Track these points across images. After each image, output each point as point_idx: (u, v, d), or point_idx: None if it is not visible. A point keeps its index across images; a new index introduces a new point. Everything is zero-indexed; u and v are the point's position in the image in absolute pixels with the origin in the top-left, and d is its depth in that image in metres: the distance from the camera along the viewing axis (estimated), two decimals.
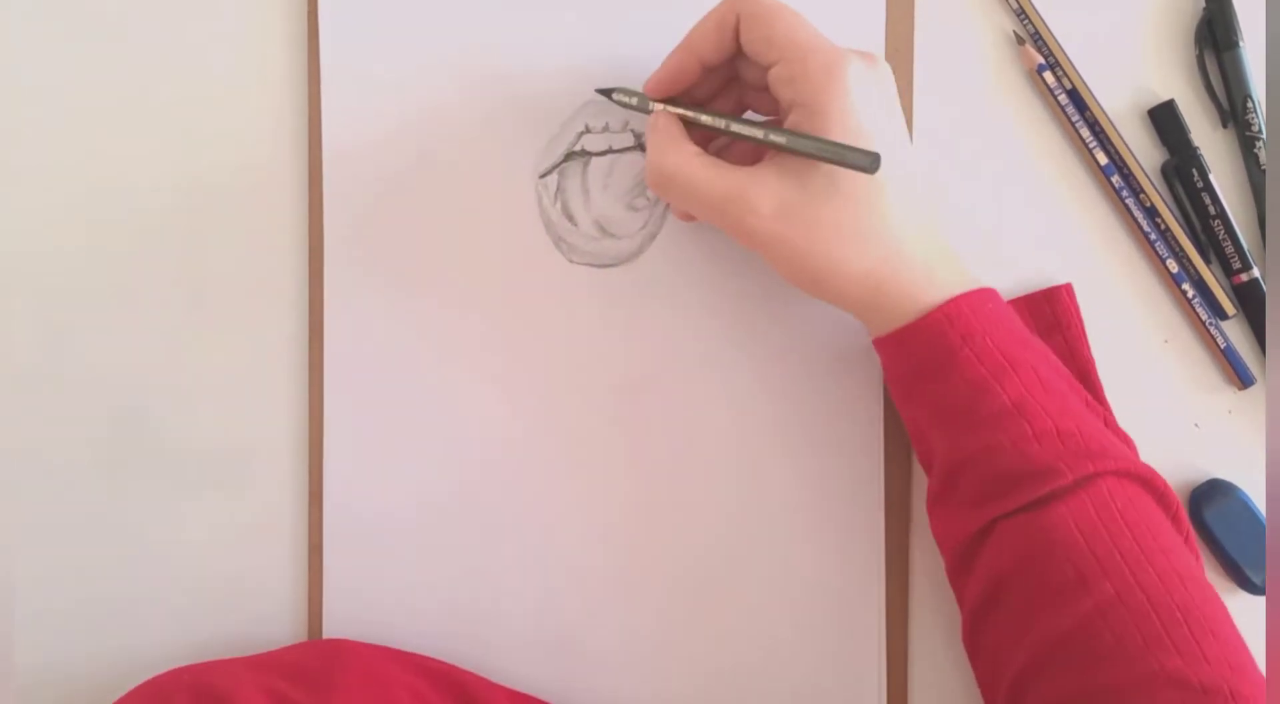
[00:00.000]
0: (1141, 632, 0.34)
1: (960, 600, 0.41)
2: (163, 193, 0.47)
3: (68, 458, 0.47)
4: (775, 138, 0.38)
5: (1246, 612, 0.45)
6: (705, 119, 0.41)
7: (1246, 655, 0.35)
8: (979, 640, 0.40)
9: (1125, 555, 0.35)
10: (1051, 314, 0.44)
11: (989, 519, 0.38)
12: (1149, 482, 0.38)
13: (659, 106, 0.41)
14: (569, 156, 0.46)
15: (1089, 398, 0.41)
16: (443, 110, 0.46)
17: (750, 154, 0.43)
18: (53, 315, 0.48)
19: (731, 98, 0.44)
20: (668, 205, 0.46)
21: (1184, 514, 0.39)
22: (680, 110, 0.41)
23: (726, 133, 0.40)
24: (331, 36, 0.46)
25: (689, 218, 0.44)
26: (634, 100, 0.43)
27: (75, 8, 0.47)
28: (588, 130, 0.46)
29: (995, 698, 0.39)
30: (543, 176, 0.46)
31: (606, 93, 0.44)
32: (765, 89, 0.40)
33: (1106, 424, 0.42)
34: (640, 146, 0.46)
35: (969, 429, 0.38)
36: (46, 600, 0.47)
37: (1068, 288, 0.45)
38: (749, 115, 0.44)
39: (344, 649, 0.43)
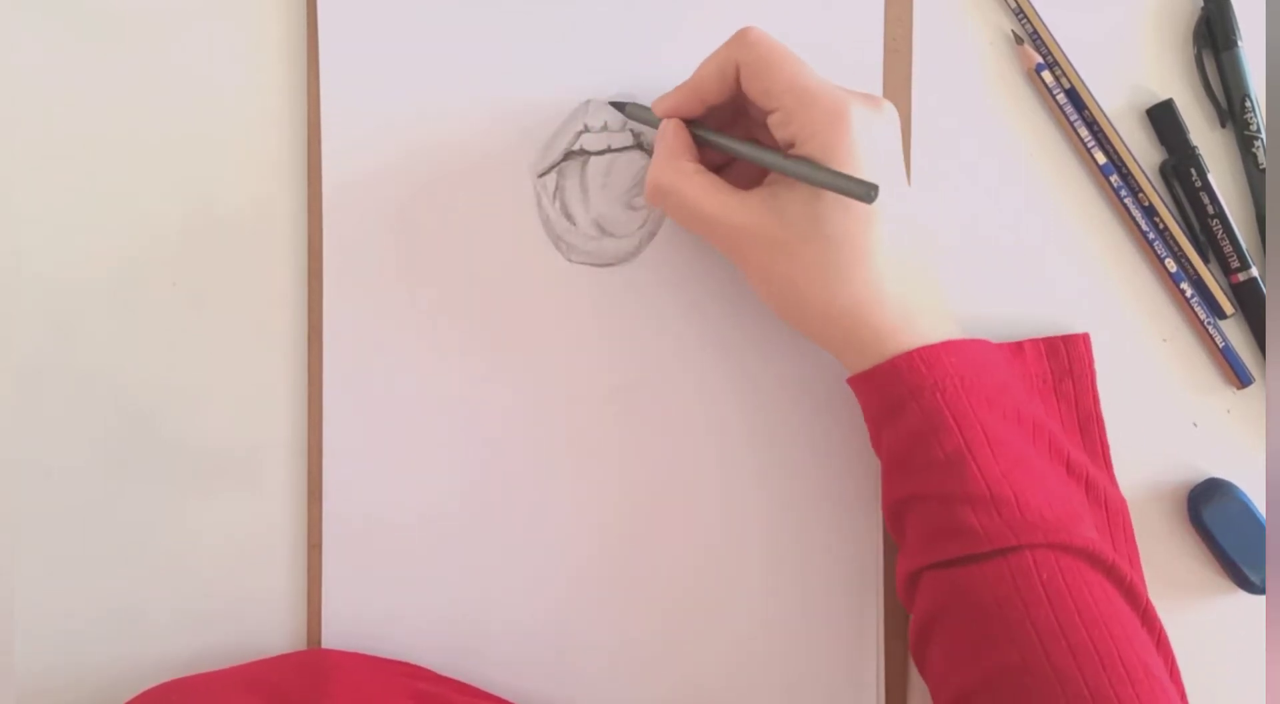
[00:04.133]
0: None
1: None
2: (162, 196, 0.47)
3: (67, 458, 0.47)
4: (777, 161, 0.38)
5: (1246, 612, 0.45)
6: (712, 137, 0.41)
7: None
8: (922, 668, 0.40)
9: (1038, 626, 0.35)
10: (1067, 359, 0.44)
11: (919, 566, 0.39)
12: (1095, 556, 0.37)
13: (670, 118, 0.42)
14: (568, 156, 0.46)
15: (1073, 458, 0.40)
16: (441, 109, 0.46)
17: (750, 180, 0.43)
18: (53, 318, 0.48)
19: (740, 129, 0.44)
20: None
21: (1140, 589, 0.38)
22: (689, 127, 0.42)
23: (731, 151, 0.41)
24: (331, 36, 0.47)
25: None
26: (645, 113, 0.44)
27: (76, 13, 0.48)
28: (586, 129, 0.46)
29: None
30: (541, 176, 0.46)
31: (619, 106, 0.45)
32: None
33: (1089, 485, 0.41)
34: (639, 146, 0.46)
35: (906, 476, 0.39)
36: (47, 602, 0.47)
37: (1085, 337, 0.44)
38: None
39: (332, 665, 0.43)
